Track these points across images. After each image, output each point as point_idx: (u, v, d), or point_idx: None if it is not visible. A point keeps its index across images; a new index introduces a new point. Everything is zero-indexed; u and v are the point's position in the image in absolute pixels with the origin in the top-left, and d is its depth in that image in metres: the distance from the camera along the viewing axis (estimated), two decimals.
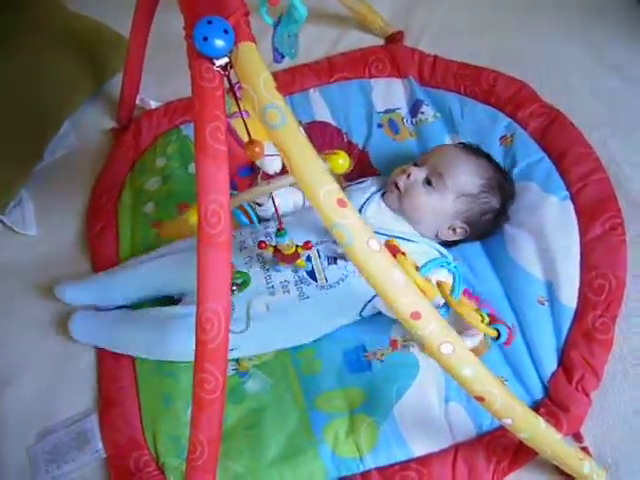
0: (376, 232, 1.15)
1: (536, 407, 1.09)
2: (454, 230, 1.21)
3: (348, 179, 1.33)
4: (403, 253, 0.79)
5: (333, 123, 1.46)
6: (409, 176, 1.19)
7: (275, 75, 0.74)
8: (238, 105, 0.86)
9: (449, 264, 0.88)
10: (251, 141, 0.89)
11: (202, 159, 0.74)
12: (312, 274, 1.15)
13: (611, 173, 1.24)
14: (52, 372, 1.19)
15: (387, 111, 1.45)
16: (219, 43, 0.73)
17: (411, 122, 1.43)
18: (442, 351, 0.77)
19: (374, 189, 1.25)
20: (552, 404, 1.09)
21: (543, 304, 1.17)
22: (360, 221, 0.74)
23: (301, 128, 0.74)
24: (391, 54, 1.52)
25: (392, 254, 0.76)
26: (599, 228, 1.19)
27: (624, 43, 1.40)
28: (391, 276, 0.74)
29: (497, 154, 1.31)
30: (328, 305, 1.15)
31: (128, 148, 1.49)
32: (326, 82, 1.51)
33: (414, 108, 1.44)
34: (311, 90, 1.50)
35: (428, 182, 1.18)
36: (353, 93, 1.49)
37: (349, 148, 1.41)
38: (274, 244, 1.10)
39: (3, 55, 1.45)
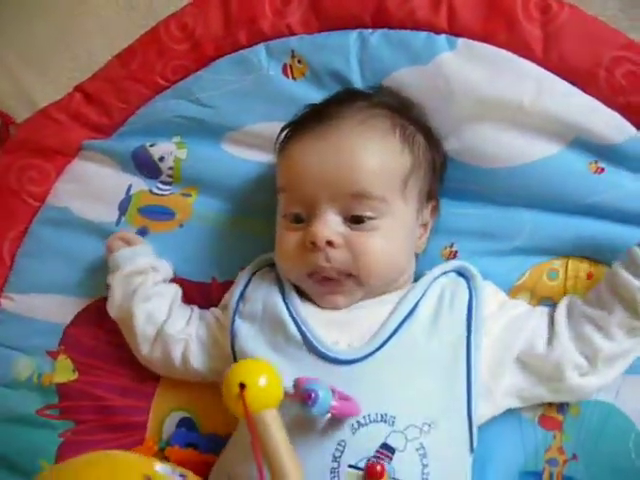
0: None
1: None
2: (424, 226, 0.72)
3: None
4: None
5: None
6: (331, 244, 0.64)
7: None
8: None
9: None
10: None
11: None
12: None
13: None
14: None
15: (123, 209, 0.81)
16: None
17: (165, 182, 0.81)
18: None
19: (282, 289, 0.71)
20: None
21: (602, 171, 0.70)
22: None
23: None
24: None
25: None
26: (535, 29, 0.72)
27: None
28: None
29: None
30: None
31: None
32: None
33: (146, 170, 0.81)
34: None
35: (356, 220, 0.64)
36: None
37: None
38: None
39: None
